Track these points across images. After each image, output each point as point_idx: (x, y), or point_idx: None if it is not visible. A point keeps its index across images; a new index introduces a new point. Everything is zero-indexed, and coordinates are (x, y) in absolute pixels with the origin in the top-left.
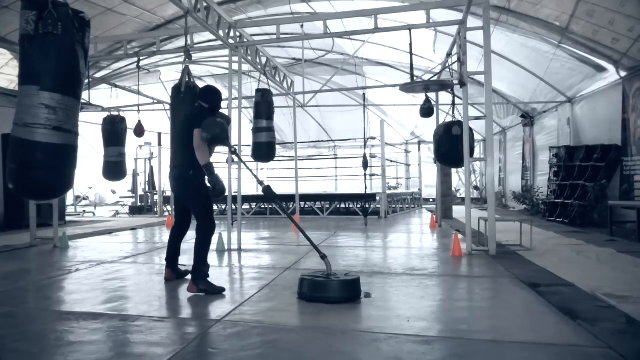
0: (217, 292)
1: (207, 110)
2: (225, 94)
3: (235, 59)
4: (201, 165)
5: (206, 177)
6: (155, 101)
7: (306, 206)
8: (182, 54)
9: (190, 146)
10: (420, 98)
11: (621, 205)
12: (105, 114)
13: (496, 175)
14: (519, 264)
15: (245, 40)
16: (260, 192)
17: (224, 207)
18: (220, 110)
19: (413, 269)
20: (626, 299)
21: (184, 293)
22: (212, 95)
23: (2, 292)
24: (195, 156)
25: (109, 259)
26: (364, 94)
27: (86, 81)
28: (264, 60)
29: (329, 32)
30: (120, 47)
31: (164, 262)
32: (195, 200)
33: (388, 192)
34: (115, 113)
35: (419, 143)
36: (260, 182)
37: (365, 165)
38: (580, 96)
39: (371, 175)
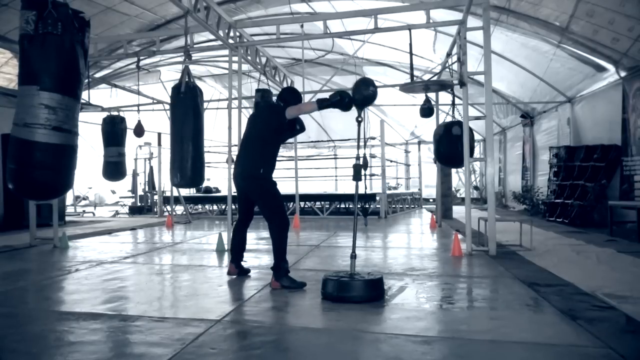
0: (299, 287)
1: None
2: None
3: (235, 59)
4: (316, 107)
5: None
6: (155, 101)
7: (306, 206)
8: (182, 53)
9: (262, 145)
10: (420, 98)
11: (621, 205)
12: (105, 114)
13: (496, 175)
14: (519, 264)
15: (245, 40)
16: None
17: (223, 207)
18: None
19: (413, 269)
20: (626, 299)
21: (184, 293)
22: (292, 94)
23: (2, 292)
24: (264, 155)
25: (108, 259)
26: None
27: (86, 81)
28: (263, 60)
29: (329, 32)
30: (120, 47)
31: (165, 263)
32: (264, 198)
33: (388, 192)
34: (115, 113)
35: (419, 143)
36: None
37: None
38: (580, 96)
39: (371, 175)
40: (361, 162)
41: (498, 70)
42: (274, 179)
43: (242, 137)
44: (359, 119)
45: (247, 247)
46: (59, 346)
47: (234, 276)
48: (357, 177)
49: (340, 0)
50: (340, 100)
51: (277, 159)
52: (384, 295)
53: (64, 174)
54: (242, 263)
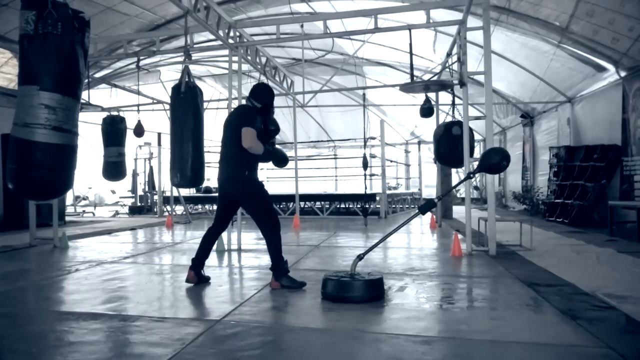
0: (299, 286)
1: (258, 110)
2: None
3: (235, 58)
4: (260, 153)
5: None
6: (155, 101)
7: (306, 206)
8: (182, 53)
9: (241, 148)
10: (420, 98)
11: (621, 205)
12: (104, 114)
13: (496, 175)
14: (519, 264)
15: (245, 40)
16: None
17: None
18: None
19: (413, 269)
20: (626, 299)
21: (184, 293)
22: (265, 93)
23: (2, 292)
24: (247, 156)
25: (108, 259)
26: (363, 94)
27: (86, 81)
28: (263, 60)
29: (329, 32)
30: (120, 47)
31: (165, 263)
32: (253, 201)
33: (388, 192)
34: (115, 113)
35: (419, 143)
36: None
37: (365, 165)
38: (580, 96)
39: (371, 175)
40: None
41: (498, 70)
42: (260, 181)
43: (221, 142)
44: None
45: (247, 247)
46: (59, 346)
47: (192, 284)
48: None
49: (340, 0)
50: (279, 159)
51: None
52: (384, 295)
53: (64, 174)
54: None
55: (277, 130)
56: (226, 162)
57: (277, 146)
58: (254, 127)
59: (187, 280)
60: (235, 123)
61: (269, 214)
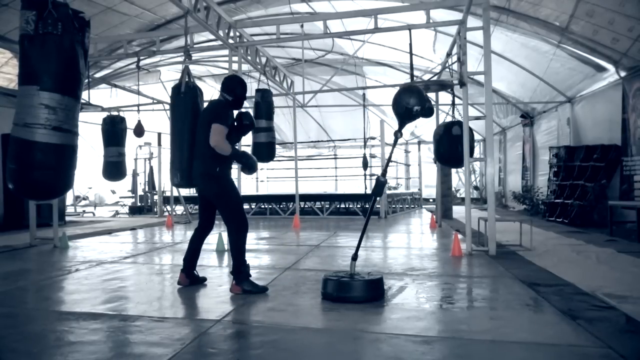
0: (261, 291)
1: (230, 103)
2: None
3: (235, 59)
4: (228, 155)
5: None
6: (155, 101)
7: (306, 206)
8: (182, 53)
9: (209, 145)
10: None
11: (621, 205)
12: (105, 114)
13: (496, 175)
14: (519, 264)
15: (245, 40)
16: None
17: None
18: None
19: (413, 269)
20: (626, 299)
21: (184, 293)
22: (236, 85)
23: (2, 292)
24: (217, 154)
25: (108, 259)
26: (363, 94)
27: (86, 81)
28: (263, 60)
29: (329, 32)
30: (120, 47)
31: (165, 263)
32: (221, 198)
33: (388, 192)
34: (115, 113)
35: (419, 143)
36: (384, 173)
37: (365, 165)
38: (580, 96)
39: (371, 175)
40: (383, 179)
41: (498, 70)
42: (231, 178)
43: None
44: (399, 134)
45: (247, 247)
46: (59, 346)
47: (186, 285)
48: (378, 191)
49: (340, 0)
50: (246, 165)
51: (277, 158)
52: (384, 295)
53: (64, 174)
54: (196, 272)
55: (251, 125)
56: (198, 158)
57: (248, 152)
58: (224, 123)
59: (179, 283)
60: (205, 119)
61: (236, 212)
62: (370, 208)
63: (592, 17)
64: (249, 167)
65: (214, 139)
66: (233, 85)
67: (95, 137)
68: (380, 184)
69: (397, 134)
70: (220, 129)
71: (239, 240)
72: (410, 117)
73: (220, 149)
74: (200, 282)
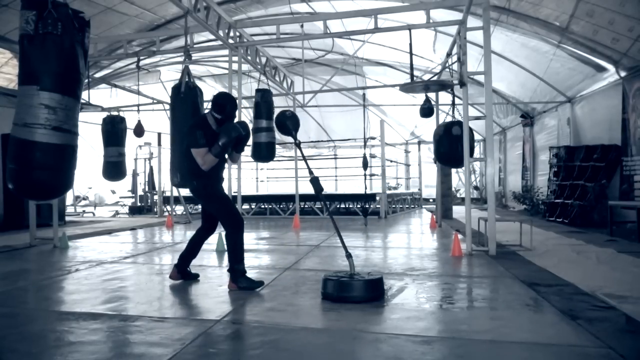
0: (257, 286)
1: (218, 121)
2: None
3: (235, 59)
4: (215, 162)
5: (209, 183)
6: (155, 101)
7: (306, 206)
8: (182, 53)
9: (190, 156)
10: (420, 98)
11: (621, 205)
12: (104, 114)
13: (496, 175)
14: (519, 264)
15: (245, 40)
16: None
17: None
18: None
19: (413, 269)
20: (626, 299)
21: (184, 293)
22: (226, 103)
23: (2, 292)
24: (195, 165)
25: (108, 259)
26: (363, 94)
27: (86, 81)
28: (263, 60)
29: (329, 32)
30: (120, 47)
31: (165, 263)
32: (211, 201)
33: (388, 192)
34: (115, 113)
35: (419, 143)
36: (311, 172)
37: (365, 165)
38: (580, 96)
39: (371, 175)
40: (312, 175)
41: (498, 70)
42: (214, 186)
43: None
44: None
45: (247, 246)
46: (59, 346)
47: (177, 281)
48: (319, 188)
49: (340, 0)
50: (238, 143)
51: (277, 158)
52: (384, 295)
53: (64, 174)
54: (189, 269)
55: (248, 135)
56: (184, 166)
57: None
58: (200, 145)
59: (170, 277)
60: (185, 139)
61: (227, 212)
62: (324, 206)
63: (592, 17)
64: (239, 142)
65: (200, 163)
66: (223, 103)
67: (95, 137)
68: (314, 179)
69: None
70: (199, 152)
71: (233, 239)
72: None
73: (210, 165)
74: (193, 278)
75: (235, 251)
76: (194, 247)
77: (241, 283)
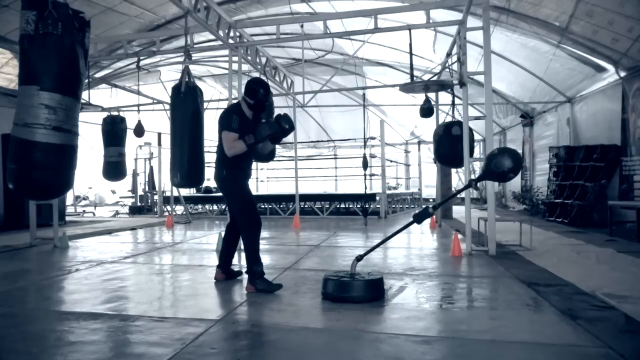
0: (275, 289)
1: (250, 106)
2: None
3: (235, 59)
4: (242, 152)
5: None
6: (155, 101)
7: (306, 206)
8: (182, 53)
9: (223, 149)
10: (420, 98)
11: (621, 205)
12: (105, 114)
13: None
14: (519, 263)
15: (245, 40)
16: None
17: (224, 207)
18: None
19: (413, 269)
20: (626, 299)
21: (184, 293)
22: (258, 88)
23: (2, 292)
24: (226, 158)
25: (108, 259)
26: (363, 94)
27: (86, 81)
28: (263, 60)
29: (329, 32)
30: (120, 47)
31: (165, 262)
32: (231, 199)
33: (388, 192)
34: (115, 113)
35: (419, 143)
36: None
37: (365, 165)
38: (580, 96)
39: (371, 175)
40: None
41: (498, 70)
42: (242, 180)
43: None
44: None
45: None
46: (59, 346)
47: (221, 281)
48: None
49: (340, 0)
50: (275, 136)
51: (276, 158)
52: (384, 295)
53: (64, 174)
54: (233, 266)
55: (291, 128)
56: (215, 163)
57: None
58: (231, 129)
59: (215, 278)
60: (218, 127)
61: (245, 212)
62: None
63: (592, 17)
64: (277, 137)
65: (225, 148)
66: (254, 88)
67: (95, 137)
68: (427, 214)
69: (472, 184)
70: (227, 136)
71: (250, 240)
72: (501, 179)
73: (235, 152)
74: (236, 276)
75: (252, 251)
76: (229, 246)
77: (259, 285)
